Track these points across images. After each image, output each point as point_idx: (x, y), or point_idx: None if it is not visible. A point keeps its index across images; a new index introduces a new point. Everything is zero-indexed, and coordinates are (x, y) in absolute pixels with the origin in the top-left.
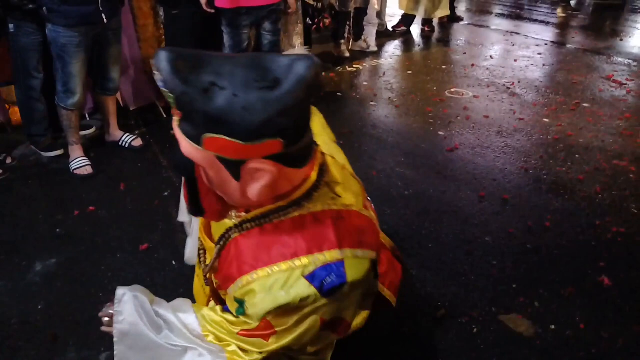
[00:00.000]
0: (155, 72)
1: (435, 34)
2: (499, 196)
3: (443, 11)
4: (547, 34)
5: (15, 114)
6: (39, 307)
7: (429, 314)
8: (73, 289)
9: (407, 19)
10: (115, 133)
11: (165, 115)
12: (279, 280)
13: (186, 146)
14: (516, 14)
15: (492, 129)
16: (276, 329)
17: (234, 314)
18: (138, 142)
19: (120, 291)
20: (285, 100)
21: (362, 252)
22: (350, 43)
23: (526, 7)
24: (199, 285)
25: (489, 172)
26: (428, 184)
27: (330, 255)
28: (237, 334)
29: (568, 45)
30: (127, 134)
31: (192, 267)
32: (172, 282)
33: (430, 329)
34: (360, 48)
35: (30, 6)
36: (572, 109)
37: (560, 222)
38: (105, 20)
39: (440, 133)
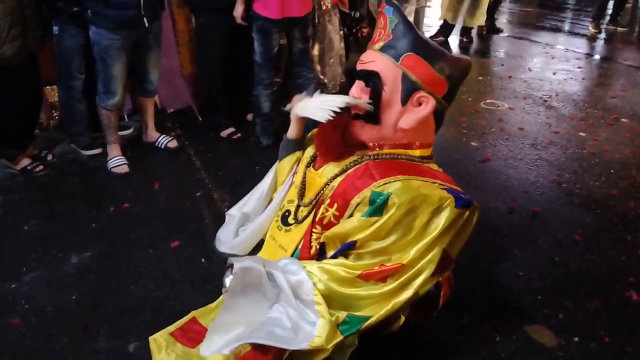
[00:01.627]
0: (384, 7)
1: (474, 45)
2: (529, 208)
3: (478, 20)
4: (589, 47)
5: (56, 112)
6: (73, 297)
7: (452, 320)
8: (106, 281)
9: (445, 29)
10: (152, 134)
11: (200, 119)
12: (420, 182)
13: (383, 61)
14: (558, 27)
15: (526, 141)
16: (403, 262)
17: (357, 221)
18: (174, 144)
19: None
20: (462, 58)
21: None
22: None
23: (568, 20)
24: (274, 246)
25: (521, 184)
26: None
27: (457, 188)
28: (357, 277)
29: (610, 60)
30: (164, 136)
31: (220, 265)
32: (200, 279)
33: (453, 335)
34: None
35: (75, 9)
36: (610, 123)
37: (591, 236)
38: (146, 24)
39: (473, 144)
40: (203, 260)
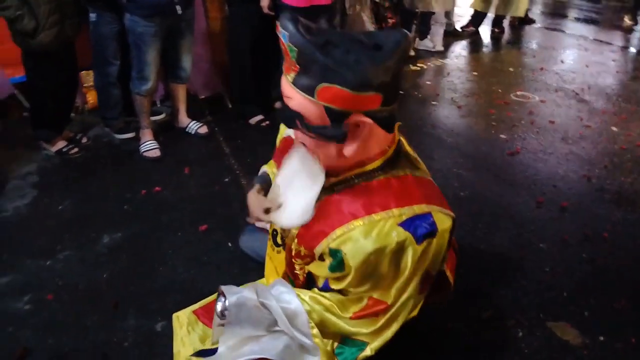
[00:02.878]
0: (280, 31)
1: (505, 36)
2: (558, 203)
3: (517, 10)
4: (624, 40)
5: (91, 97)
6: (104, 276)
7: (475, 313)
8: (136, 262)
9: (476, 19)
10: (184, 120)
11: (230, 106)
12: (376, 227)
13: (299, 99)
14: (592, 19)
15: (556, 135)
16: (388, 303)
17: (327, 270)
18: (204, 130)
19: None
20: (387, 58)
21: (445, 210)
22: (416, 42)
23: (603, 12)
24: (271, 267)
25: (550, 178)
26: (485, 187)
27: (419, 209)
28: (350, 318)
29: None
30: (195, 122)
31: (243, 253)
32: (226, 262)
33: (476, 329)
34: (425, 47)
35: None
36: None
37: (620, 233)
38: (179, 12)
39: (502, 136)
40: (230, 244)
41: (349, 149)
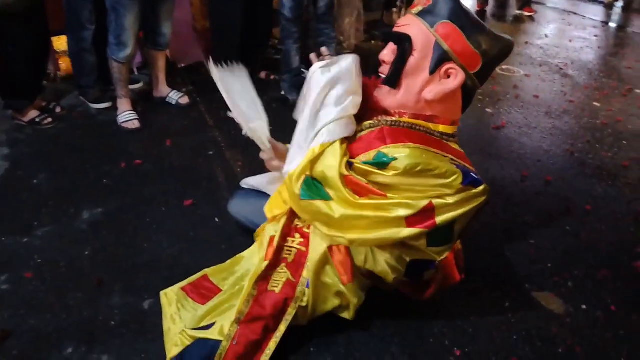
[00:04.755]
0: None
1: (490, 9)
2: (542, 177)
3: None
4: (605, 15)
5: (64, 63)
6: (86, 252)
7: (462, 284)
8: (119, 237)
9: None
10: (163, 89)
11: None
12: (431, 154)
13: (417, 27)
14: None
15: (541, 110)
16: (391, 197)
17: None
18: (185, 100)
19: None
20: (500, 38)
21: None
22: (403, 12)
23: None
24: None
25: (534, 153)
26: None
27: (471, 168)
28: (345, 176)
29: (627, 29)
30: (175, 91)
31: (232, 225)
32: (214, 237)
33: (462, 300)
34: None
35: None
36: (624, 94)
37: (602, 206)
38: None
39: (488, 110)
40: (217, 219)
41: (431, 90)
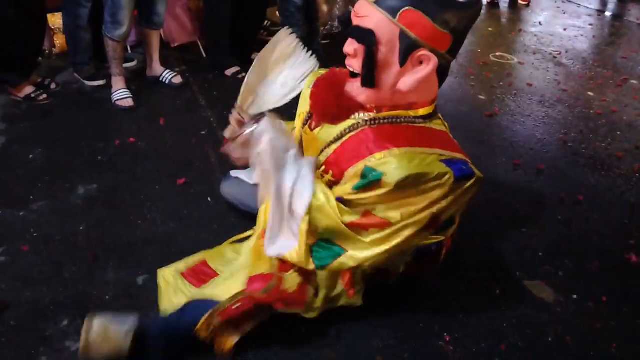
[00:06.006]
0: None
1: None
2: (535, 166)
3: None
4: (600, 3)
5: (59, 40)
6: (81, 228)
7: (453, 270)
8: (113, 214)
9: None
10: (157, 68)
11: (205, 55)
12: (418, 157)
13: (378, 18)
14: None
15: (534, 98)
16: (391, 222)
17: (350, 189)
18: (178, 80)
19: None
20: (467, 7)
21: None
22: None
23: None
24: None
25: (527, 141)
26: (464, 148)
27: (459, 155)
28: (349, 224)
29: (622, 18)
30: (168, 71)
31: (225, 205)
32: (207, 217)
33: (453, 287)
34: None
35: None
36: (619, 84)
37: (594, 197)
38: None
39: (481, 97)
40: (209, 199)
41: (406, 82)
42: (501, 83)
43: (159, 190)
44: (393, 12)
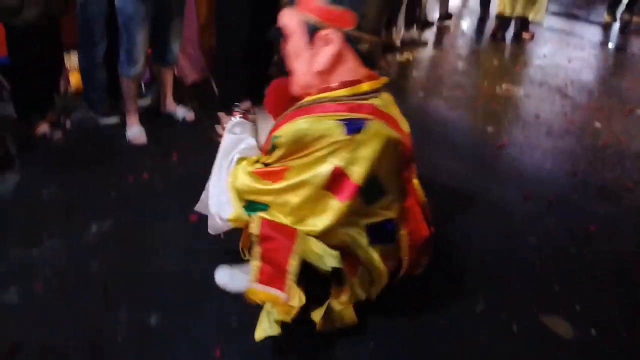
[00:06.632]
0: None
1: (489, 30)
2: (545, 197)
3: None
4: (604, 36)
5: (74, 78)
6: (94, 265)
7: (468, 308)
8: (126, 251)
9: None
10: (170, 105)
11: (217, 92)
12: (313, 118)
13: (287, 13)
14: (572, 14)
15: (541, 129)
16: (291, 165)
17: (265, 155)
18: (191, 116)
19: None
20: None
21: (389, 128)
22: (402, 32)
23: (583, 8)
24: None
25: (536, 172)
26: (474, 179)
27: (362, 115)
28: (252, 171)
29: (625, 49)
30: (181, 107)
31: (237, 240)
32: (219, 252)
33: (469, 324)
34: (412, 38)
35: None
36: (626, 115)
37: (606, 228)
38: None
39: (489, 129)
40: (222, 235)
41: (319, 62)
42: (509, 115)
43: (172, 226)
44: (292, 2)
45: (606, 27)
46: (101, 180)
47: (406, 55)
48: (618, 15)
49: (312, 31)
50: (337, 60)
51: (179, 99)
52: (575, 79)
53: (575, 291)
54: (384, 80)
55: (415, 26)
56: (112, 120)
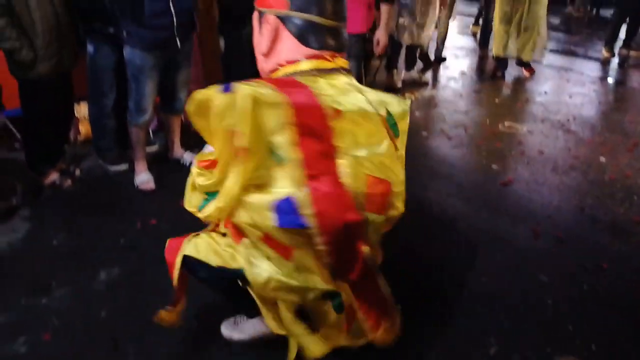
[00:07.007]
0: None
1: (488, 68)
2: (554, 234)
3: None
4: (603, 71)
5: (83, 127)
6: (103, 313)
7: (482, 350)
8: (135, 298)
9: (501, 64)
10: (178, 151)
11: None
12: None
13: (255, 14)
14: (571, 50)
15: (547, 165)
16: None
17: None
18: None
19: None
20: None
21: (278, 94)
22: (403, 73)
23: (580, 45)
24: None
25: (544, 209)
26: (480, 217)
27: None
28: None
29: (625, 84)
30: (189, 153)
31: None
32: (227, 303)
33: None
34: (413, 78)
35: (111, 30)
36: (630, 149)
37: (618, 264)
38: (178, 45)
39: (494, 167)
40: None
41: (262, 44)
42: (512, 152)
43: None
44: None
45: (605, 63)
46: (110, 227)
47: (408, 96)
48: (616, 51)
49: (259, 17)
50: (274, 41)
51: (186, 145)
52: (577, 114)
53: (590, 331)
54: (340, 62)
55: (415, 67)
56: (121, 167)
